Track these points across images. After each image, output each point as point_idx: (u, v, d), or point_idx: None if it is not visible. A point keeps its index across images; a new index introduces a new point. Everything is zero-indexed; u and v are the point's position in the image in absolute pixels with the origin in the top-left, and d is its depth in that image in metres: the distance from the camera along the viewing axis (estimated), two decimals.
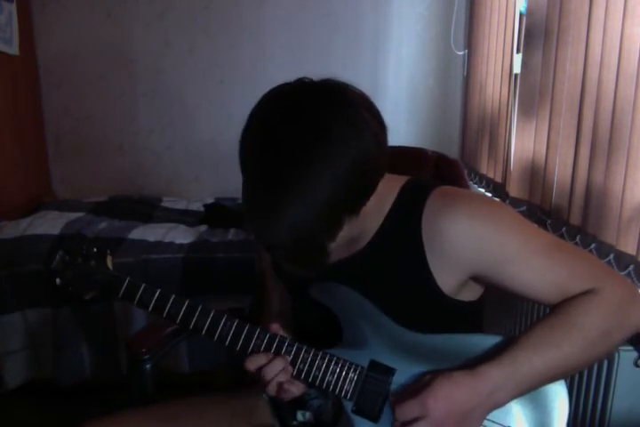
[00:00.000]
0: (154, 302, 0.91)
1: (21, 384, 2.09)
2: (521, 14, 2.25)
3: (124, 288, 0.92)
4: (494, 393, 0.77)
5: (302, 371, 0.87)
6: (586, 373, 1.30)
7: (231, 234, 2.36)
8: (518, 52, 2.21)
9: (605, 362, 1.24)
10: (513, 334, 1.78)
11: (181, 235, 2.31)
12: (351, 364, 0.87)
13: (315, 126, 0.77)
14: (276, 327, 0.90)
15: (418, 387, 0.79)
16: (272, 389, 0.87)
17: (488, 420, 0.82)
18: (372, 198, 0.85)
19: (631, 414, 1.24)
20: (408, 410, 0.77)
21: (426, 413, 0.76)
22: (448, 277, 0.88)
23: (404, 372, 0.86)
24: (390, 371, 0.86)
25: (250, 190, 0.81)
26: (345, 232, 0.83)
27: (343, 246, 0.93)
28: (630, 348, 1.21)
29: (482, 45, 2.59)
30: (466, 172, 1.63)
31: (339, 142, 0.76)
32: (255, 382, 0.89)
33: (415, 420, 0.77)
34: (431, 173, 1.41)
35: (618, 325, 0.82)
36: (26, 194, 2.73)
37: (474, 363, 0.80)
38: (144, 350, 1.19)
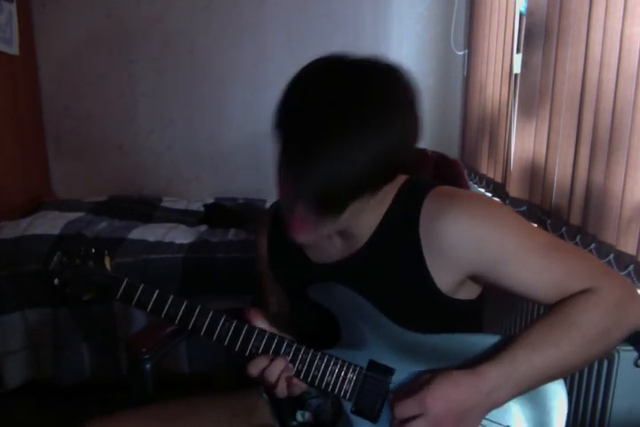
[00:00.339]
0: (152, 302, 0.90)
1: (21, 384, 2.09)
2: (521, 14, 2.25)
3: (122, 289, 0.91)
4: (493, 392, 0.77)
5: (301, 371, 0.87)
6: (586, 373, 1.29)
7: (231, 234, 2.36)
8: (518, 52, 2.21)
9: (605, 362, 1.24)
10: (512, 333, 1.78)
11: (181, 235, 2.31)
12: (350, 364, 0.87)
13: (376, 92, 0.77)
14: (252, 313, 0.90)
15: (417, 386, 0.79)
16: (281, 389, 0.87)
17: (487, 419, 0.82)
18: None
19: (631, 414, 1.24)
20: (407, 408, 0.77)
21: (424, 411, 0.76)
22: (446, 276, 0.88)
23: (403, 372, 0.86)
24: (389, 371, 0.86)
25: (287, 142, 0.78)
26: (351, 218, 0.83)
27: (341, 246, 0.94)
28: (630, 348, 1.20)
29: (482, 45, 2.59)
30: (466, 172, 1.63)
31: (378, 120, 0.76)
32: (259, 384, 0.89)
33: (413, 418, 0.77)
34: (431, 172, 1.41)
35: (616, 324, 0.82)
36: (26, 194, 2.73)
37: (473, 362, 0.80)
38: (144, 350, 1.19)
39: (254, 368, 0.87)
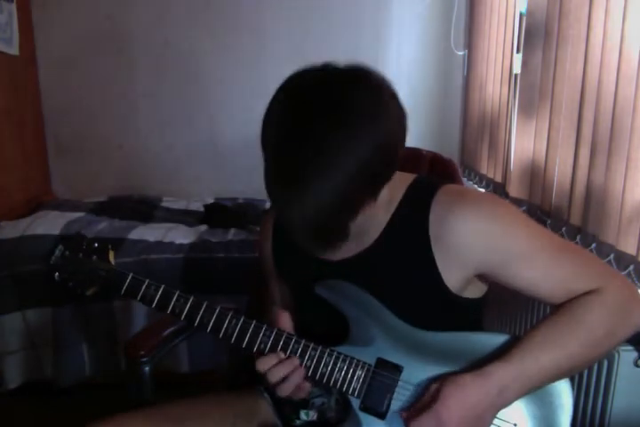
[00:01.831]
0: (158, 298, 0.90)
1: (21, 384, 2.09)
2: (521, 14, 2.25)
3: (127, 284, 0.90)
4: (503, 392, 0.78)
5: (309, 368, 0.87)
6: (586, 373, 1.30)
7: (231, 234, 2.36)
8: (518, 52, 2.22)
9: (605, 362, 1.24)
10: (513, 332, 1.78)
11: (181, 235, 2.31)
12: (359, 361, 0.87)
13: (341, 109, 0.75)
14: (284, 318, 0.90)
15: (427, 398, 0.80)
16: (286, 388, 0.86)
17: (495, 417, 0.82)
18: (383, 191, 0.84)
19: (631, 414, 1.24)
20: (423, 425, 0.78)
21: (442, 425, 0.77)
22: (455, 274, 0.88)
23: (411, 369, 0.86)
24: (397, 368, 0.86)
25: (273, 170, 0.77)
26: (361, 219, 0.81)
27: (350, 244, 0.94)
28: (630, 348, 1.21)
29: (482, 45, 2.59)
30: (460, 171, 1.63)
31: (364, 124, 0.75)
32: (263, 381, 0.88)
33: None
34: (426, 172, 1.41)
35: (621, 324, 0.83)
36: (26, 194, 2.73)
37: (481, 362, 0.81)
38: (142, 353, 1.17)
39: (263, 365, 0.86)
